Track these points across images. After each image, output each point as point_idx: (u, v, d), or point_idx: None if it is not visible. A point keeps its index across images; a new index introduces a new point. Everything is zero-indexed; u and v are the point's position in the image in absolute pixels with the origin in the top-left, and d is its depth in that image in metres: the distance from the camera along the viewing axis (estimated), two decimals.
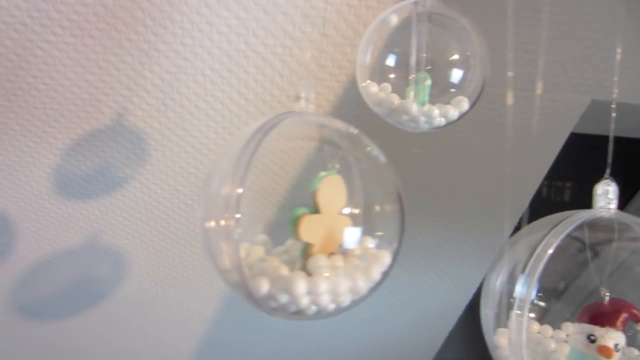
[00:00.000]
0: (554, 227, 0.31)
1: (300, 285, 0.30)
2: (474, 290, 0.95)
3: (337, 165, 0.35)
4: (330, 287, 0.31)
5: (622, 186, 0.34)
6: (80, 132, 0.69)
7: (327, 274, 0.32)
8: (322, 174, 0.34)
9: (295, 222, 0.32)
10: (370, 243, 0.34)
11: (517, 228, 0.86)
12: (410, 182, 0.78)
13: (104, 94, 0.65)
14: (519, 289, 0.29)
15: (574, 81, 0.67)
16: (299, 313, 0.33)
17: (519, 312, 0.28)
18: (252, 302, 0.32)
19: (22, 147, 0.70)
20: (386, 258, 0.33)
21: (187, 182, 0.76)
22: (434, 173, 0.79)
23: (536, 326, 0.34)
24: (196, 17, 0.59)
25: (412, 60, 0.36)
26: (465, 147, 0.75)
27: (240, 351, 1.05)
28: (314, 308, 0.32)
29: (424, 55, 0.36)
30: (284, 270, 0.33)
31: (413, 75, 0.37)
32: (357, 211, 0.33)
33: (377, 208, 0.34)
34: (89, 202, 0.78)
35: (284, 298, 0.31)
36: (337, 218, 0.33)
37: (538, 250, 0.29)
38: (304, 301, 0.31)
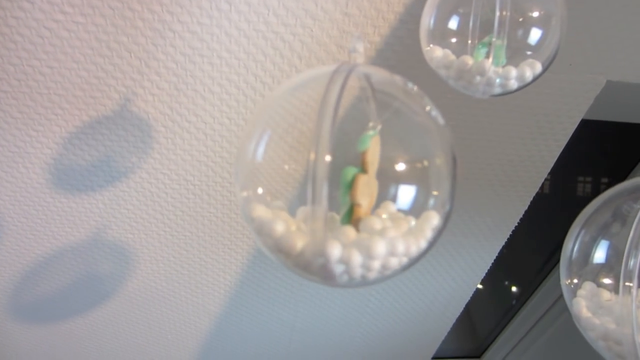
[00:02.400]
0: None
1: (380, 246, 0.28)
2: (482, 276, 0.95)
3: (379, 126, 0.33)
4: (390, 249, 0.30)
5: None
6: (86, 120, 0.66)
7: (385, 236, 0.30)
8: (370, 132, 0.33)
9: (350, 183, 0.30)
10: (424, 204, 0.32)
11: (527, 212, 0.86)
12: None
13: (114, 77, 0.62)
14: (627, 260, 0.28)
15: (590, 62, 0.67)
16: (362, 277, 0.31)
17: (629, 284, 0.27)
18: (316, 270, 0.30)
19: (23, 136, 0.66)
20: (435, 219, 0.32)
21: (197, 171, 0.73)
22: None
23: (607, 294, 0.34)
24: None
25: (496, 18, 0.35)
26: (479, 130, 0.74)
27: (245, 346, 1.03)
28: (374, 273, 0.30)
29: (507, 13, 0.35)
30: (352, 233, 0.31)
31: (491, 34, 0.36)
32: (415, 166, 0.31)
33: (433, 166, 0.32)
34: (93, 194, 0.74)
35: (356, 260, 0.29)
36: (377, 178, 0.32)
37: (636, 222, 0.28)
38: (375, 264, 0.29)
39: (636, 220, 0.27)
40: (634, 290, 0.27)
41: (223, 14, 0.58)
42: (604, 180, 1.25)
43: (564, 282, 0.35)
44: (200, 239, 0.82)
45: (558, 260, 1.35)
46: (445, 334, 1.09)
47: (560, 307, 1.34)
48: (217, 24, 0.59)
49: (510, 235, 0.88)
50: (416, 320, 1.06)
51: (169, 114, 0.66)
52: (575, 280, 0.34)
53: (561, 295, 1.37)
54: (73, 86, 0.62)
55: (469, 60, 0.38)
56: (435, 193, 0.31)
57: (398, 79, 0.33)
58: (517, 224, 0.87)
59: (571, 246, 0.34)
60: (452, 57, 0.39)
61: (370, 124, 0.33)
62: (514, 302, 1.48)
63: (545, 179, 0.82)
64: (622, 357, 0.29)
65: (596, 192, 1.25)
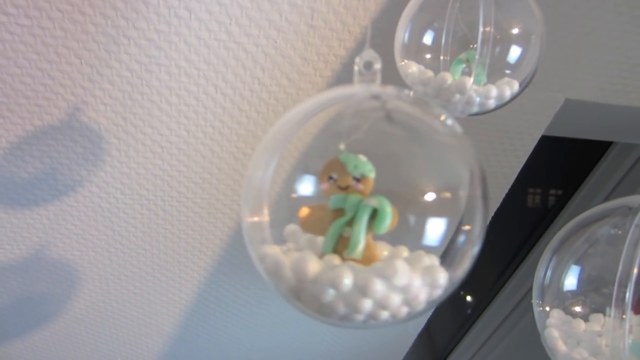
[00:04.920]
0: (619, 216, 0.30)
1: (403, 273, 0.25)
2: None
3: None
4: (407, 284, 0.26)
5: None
6: (30, 129, 0.61)
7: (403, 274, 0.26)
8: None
9: (390, 212, 0.26)
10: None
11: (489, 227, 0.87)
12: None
13: (62, 85, 0.58)
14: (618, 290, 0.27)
15: (550, 80, 0.68)
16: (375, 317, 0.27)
17: (621, 315, 0.26)
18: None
19: None
20: (442, 276, 0.26)
21: (152, 185, 0.69)
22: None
23: (582, 324, 0.33)
24: (174, 1, 0.54)
25: (479, 34, 0.33)
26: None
27: None
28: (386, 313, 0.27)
29: (491, 29, 0.34)
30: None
31: (469, 51, 0.34)
32: (443, 196, 0.27)
33: (460, 193, 0.27)
34: (36, 209, 0.69)
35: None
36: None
37: (626, 248, 0.27)
38: (396, 301, 0.26)
39: (625, 247, 0.26)
40: (627, 324, 0.26)
41: (182, 22, 0.55)
42: (557, 192, 1.29)
43: (537, 309, 0.34)
44: (154, 257, 0.78)
45: (513, 271, 1.38)
46: (408, 348, 1.08)
47: (516, 316, 1.37)
48: (176, 32, 0.56)
49: None
50: (379, 335, 1.05)
51: (122, 125, 0.62)
52: (548, 308, 0.34)
53: (517, 305, 1.39)
54: (16, 93, 0.57)
55: (449, 78, 0.37)
56: (466, 228, 0.27)
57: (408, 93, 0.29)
58: None
59: (543, 272, 0.34)
60: (430, 73, 0.38)
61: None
62: (469, 311, 1.50)
63: None
64: None
65: (547, 203, 1.29)
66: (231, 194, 0.72)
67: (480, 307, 1.45)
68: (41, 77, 0.56)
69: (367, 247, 0.27)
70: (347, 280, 0.25)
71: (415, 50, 0.39)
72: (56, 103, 0.59)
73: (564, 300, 0.33)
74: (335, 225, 0.26)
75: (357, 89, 0.27)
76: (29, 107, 0.59)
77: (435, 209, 0.27)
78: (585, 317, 0.33)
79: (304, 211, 0.27)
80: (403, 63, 0.39)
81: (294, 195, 0.28)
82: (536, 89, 0.69)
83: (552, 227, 1.24)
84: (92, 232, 0.73)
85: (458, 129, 0.28)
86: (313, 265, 0.25)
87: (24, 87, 0.57)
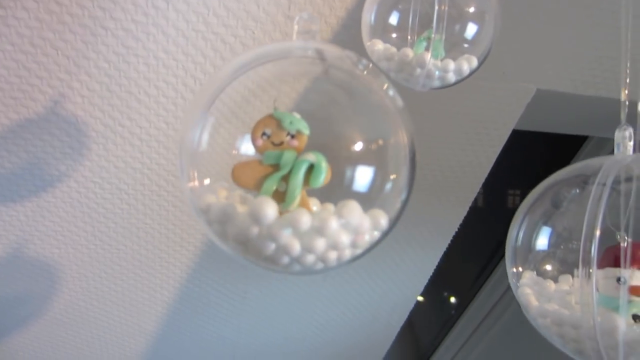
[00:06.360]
0: (583, 177, 0.31)
1: (358, 213, 0.27)
2: (425, 281, 0.96)
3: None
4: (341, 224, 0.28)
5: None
6: (6, 123, 0.60)
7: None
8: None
9: (326, 167, 0.28)
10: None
11: (467, 217, 0.89)
12: None
13: (38, 77, 0.57)
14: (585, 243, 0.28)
15: (521, 71, 0.70)
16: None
17: (588, 270, 0.28)
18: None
19: None
20: (383, 219, 0.29)
21: (131, 179, 0.69)
22: None
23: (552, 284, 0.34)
24: None
25: (435, 12, 0.35)
26: (419, 136, 0.75)
27: None
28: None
29: (445, 7, 0.36)
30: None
31: (430, 29, 0.36)
32: (371, 146, 0.29)
33: (391, 148, 0.30)
34: (13, 206, 0.68)
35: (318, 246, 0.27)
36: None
37: (589, 205, 0.28)
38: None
39: (589, 204, 0.28)
40: (594, 276, 0.27)
41: (160, 12, 0.56)
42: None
43: (510, 270, 0.36)
44: (135, 253, 0.77)
45: (492, 269, 1.41)
46: (391, 342, 1.09)
47: (497, 313, 1.39)
48: (154, 23, 0.56)
49: (447, 248, 0.90)
50: (362, 330, 1.05)
51: (100, 117, 0.62)
52: (520, 269, 0.35)
53: (498, 302, 1.42)
54: None
55: (410, 53, 0.40)
56: (393, 177, 0.30)
57: (351, 54, 0.32)
58: (455, 232, 0.89)
59: (515, 234, 0.35)
60: (393, 49, 0.40)
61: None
62: (452, 312, 1.52)
63: (478, 192, 0.86)
64: (577, 341, 0.29)
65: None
66: None
67: (463, 303, 1.47)
68: (16, 69, 0.56)
69: (302, 200, 0.28)
70: (307, 219, 0.26)
71: (381, 30, 0.41)
72: (32, 95, 0.58)
73: (535, 261, 0.35)
74: (271, 180, 0.27)
75: (295, 43, 0.28)
76: (4, 100, 0.58)
77: (364, 160, 0.29)
78: (555, 278, 0.35)
79: (238, 167, 0.28)
80: (369, 43, 0.41)
81: (231, 153, 0.29)
82: (508, 79, 0.71)
83: None
84: (71, 229, 0.72)
85: (399, 101, 0.30)
86: (272, 207, 0.26)
87: None
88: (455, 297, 1.56)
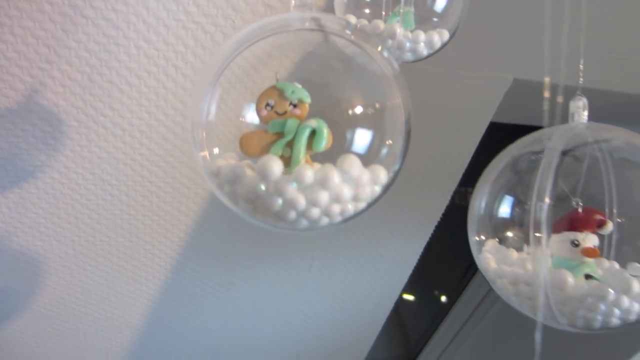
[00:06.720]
0: (539, 144, 0.33)
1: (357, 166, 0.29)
2: (409, 272, 0.97)
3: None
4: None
5: None
6: None
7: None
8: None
9: (327, 132, 0.29)
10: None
11: (450, 205, 0.90)
12: None
13: (18, 66, 0.58)
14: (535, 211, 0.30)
15: (499, 61, 0.72)
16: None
17: (537, 234, 0.29)
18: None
19: None
20: (383, 173, 0.31)
21: (114, 170, 0.69)
22: None
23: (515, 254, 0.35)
24: None
25: None
26: None
27: (172, 359, 0.97)
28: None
29: None
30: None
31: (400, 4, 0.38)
32: (369, 110, 0.31)
33: (387, 114, 0.32)
34: None
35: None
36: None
37: (540, 171, 0.30)
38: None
39: (540, 170, 0.29)
40: (543, 240, 0.28)
41: (140, 1, 0.56)
42: None
43: (472, 239, 0.37)
44: (119, 244, 0.77)
45: (478, 268, 1.43)
46: (378, 331, 1.10)
47: (483, 309, 1.40)
48: (134, 12, 0.57)
49: (433, 247, 0.92)
50: (349, 323, 1.06)
51: (82, 107, 0.63)
52: (483, 237, 0.37)
53: (484, 298, 1.44)
54: None
55: (381, 25, 0.41)
56: (389, 142, 0.31)
57: (345, 20, 0.33)
58: (439, 220, 0.91)
59: (477, 203, 0.37)
60: (365, 22, 0.41)
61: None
62: (441, 307, 1.54)
63: (461, 191, 0.87)
64: (531, 298, 0.31)
65: None
66: (195, 178, 0.73)
67: (451, 299, 1.49)
68: None
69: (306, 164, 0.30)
70: (310, 173, 0.28)
71: (354, 6, 0.42)
72: (13, 85, 0.59)
73: (496, 230, 0.36)
74: (276, 146, 0.29)
75: (294, 14, 0.30)
76: None
77: (362, 123, 0.31)
78: (519, 248, 0.36)
79: (245, 137, 0.30)
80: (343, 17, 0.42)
81: (238, 123, 0.30)
82: (486, 68, 0.73)
83: None
84: (54, 220, 0.72)
85: (395, 65, 0.31)
86: (278, 164, 0.28)
87: None
88: (443, 294, 1.57)
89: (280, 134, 0.29)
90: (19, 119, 0.61)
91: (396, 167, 0.32)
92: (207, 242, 0.81)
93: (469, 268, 1.41)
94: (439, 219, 0.89)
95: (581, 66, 0.37)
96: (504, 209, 0.35)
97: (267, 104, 0.29)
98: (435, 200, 0.86)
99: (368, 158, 0.30)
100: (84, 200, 0.71)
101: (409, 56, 0.42)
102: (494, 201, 0.36)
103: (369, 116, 0.31)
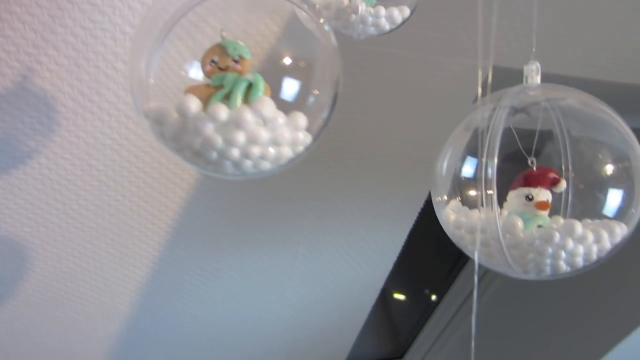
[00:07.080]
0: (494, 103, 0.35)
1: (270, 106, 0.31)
2: (394, 258, 0.99)
3: None
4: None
5: None
6: None
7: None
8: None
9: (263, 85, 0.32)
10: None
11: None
12: (322, 154, 0.81)
13: (5, 51, 0.59)
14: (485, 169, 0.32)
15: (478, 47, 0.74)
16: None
17: (489, 192, 0.31)
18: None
19: None
20: (302, 119, 0.34)
21: (101, 155, 0.70)
22: (347, 140, 0.82)
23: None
24: None
25: None
26: (382, 110, 0.79)
27: (161, 347, 0.98)
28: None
29: None
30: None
31: None
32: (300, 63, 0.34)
33: (317, 72, 0.34)
34: None
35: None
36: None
37: (491, 130, 0.32)
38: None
39: (490, 127, 0.31)
40: (494, 196, 0.31)
41: None
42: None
43: (435, 199, 0.39)
44: (107, 231, 0.78)
45: (463, 265, 1.45)
46: (364, 319, 1.12)
47: (469, 305, 1.43)
48: None
49: (420, 246, 0.94)
50: (335, 310, 1.08)
51: (69, 92, 0.64)
52: (445, 197, 0.39)
53: (469, 295, 1.46)
54: None
55: (345, 0, 0.44)
56: (316, 92, 0.34)
57: None
58: (422, 207, 0.93)
59: (439, 165, 0.39)
60: None
61: None
62: (428, 304, 1.57)
63: None
64: (486, 245, 0.33)
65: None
66: (182, 164, 0.74)
67: (438, 296, 1.51)
68: None
69: None
70: (224, 111, 0.30)
71: None
72: (0, 70, 0.60)
73: (455, 190, 0.39)
74: (215, 97, 0.31)
75: None
76: None
77: (294, 75, 0.34)
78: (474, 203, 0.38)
79: (188, 89, 0.32)
80: None
81: (183, 79, 0.32)
82: (465, 55, 0.75)
83: None
84: (42, 207, 0.73)
85: (334, 40, 0.35)
86: (195, 102, 0.31)
87: None
88: (431, 288, 1.60)
89: (220, 87, 0.31)
90: (6, 104, 0.62)
91: (324, 114, 0.35)
92: (194, 227, 0.82)
93: (453, 269, 1.43)
94: (422, 205, 0.91)
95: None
96: (465, 169, 0.38)
97: (212, 60, 0.31)
98: (418, 185, 0.88)
99: (296, 106, 0.33)
100: (71, 185, 0.72)
101: (372, 30, 0.46)
102: (454, 161, 0.38)
103: (298, 68, 0.34)
